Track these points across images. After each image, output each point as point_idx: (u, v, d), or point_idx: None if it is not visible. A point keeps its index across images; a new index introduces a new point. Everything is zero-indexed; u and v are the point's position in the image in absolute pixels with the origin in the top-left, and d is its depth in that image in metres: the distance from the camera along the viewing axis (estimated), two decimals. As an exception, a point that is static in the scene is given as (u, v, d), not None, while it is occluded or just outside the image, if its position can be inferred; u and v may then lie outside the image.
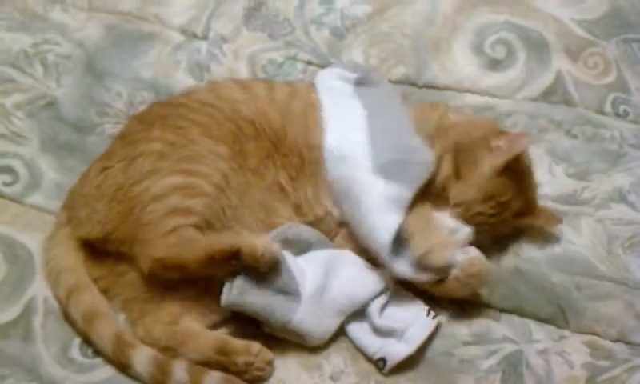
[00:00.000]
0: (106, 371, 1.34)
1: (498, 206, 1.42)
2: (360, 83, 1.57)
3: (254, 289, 1.32)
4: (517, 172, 1.44)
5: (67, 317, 1.39)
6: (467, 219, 1.41)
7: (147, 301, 1.37)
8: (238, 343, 1.33)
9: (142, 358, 1.32)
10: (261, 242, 1.31)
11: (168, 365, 1.31)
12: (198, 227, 1.36)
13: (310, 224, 1.46)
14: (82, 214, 1.42)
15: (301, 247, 1.41)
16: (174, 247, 1.33)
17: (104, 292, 1.40)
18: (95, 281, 1.41)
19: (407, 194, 1.38)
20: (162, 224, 1.35)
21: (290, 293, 1.34)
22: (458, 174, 1.44)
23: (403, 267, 1.37)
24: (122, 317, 1.39)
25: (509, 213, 1.44)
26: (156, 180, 1.38)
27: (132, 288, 1.39)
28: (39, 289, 1.43)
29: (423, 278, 1.37)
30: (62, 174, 1.59)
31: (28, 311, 1.40)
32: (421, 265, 1.36)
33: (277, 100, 1.53)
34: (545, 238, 1.50)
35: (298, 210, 1.47)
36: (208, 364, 1.31)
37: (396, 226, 1.36)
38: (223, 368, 1.31)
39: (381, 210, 1.38)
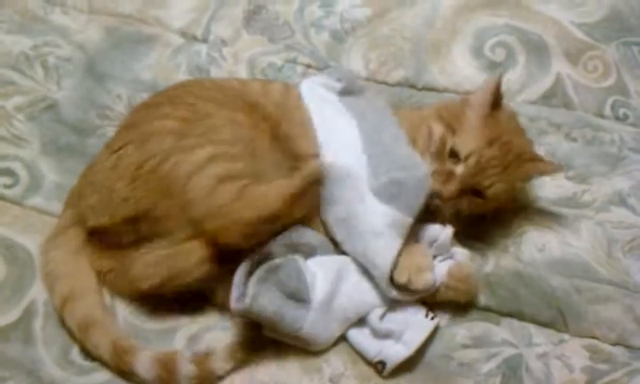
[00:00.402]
0: (107, 373, 1.34)
1: (503, 146, 1.42)
2: (346, 92, 1.55)
3: (266, 295, 1.30)
4: (504, 112, 1.47)
5: (63, 324, 1.38)
6: (483, 169, 1.41)
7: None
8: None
9: (144, 362, 1.31)
10: (313, 165, 1.34)
11: (172, 360, 1.31)
12: (252, 183, 1.33)
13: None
14: (94, 200, 1.38)
15: (305, 251, 1.39)
16: (246, 209, 1.29)
17: (110, 284, 1.41)
18: (107, 273, 1.41)
19: (408, 219, 1.36)
20: (220, 193, 1.31)
21: (302, 299, 1.33)
22: (452, 131, 1.44)
23: (394, 292, 1.36)
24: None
25: (514, 153, 1.43)
26: (186, 156, 1.33)
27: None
28: (39, 291, 1.42)
29: (413, 298, 1.37)
30: (63, 176, 1.59)
31: (28, 314, 1.40)
32: (405, 290, 1.36)
33: (271, 94, 1.53)
34: (544, 240, 1.51)
35: None
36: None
37: (395, 253, 1.35)
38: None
39: (381, 235, 1.35)
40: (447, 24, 1.87)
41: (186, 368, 1.31)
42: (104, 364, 1.34)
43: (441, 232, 1.41)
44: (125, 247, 1.37)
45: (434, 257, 1.40)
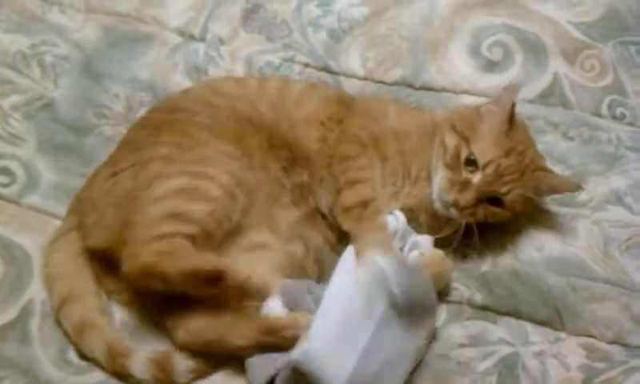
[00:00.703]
0: (103, 373, 1.34)
1: (519, 155, 1.43)
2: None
3: None
4: (519, 123, 1.48)
5: (59, 326, 1.38)
6: (500, 177, 1.41)
7: (177, 303, 1.34)
8: (283, 319, 1.30)
9: (139, 364, 1.31)
10: (249, 271, 1.30)
11: (167, 359, 1.31)
12: (193, 238, 1.33)
13: (309, 215, 1.46)
14: (90, 222, 1.41)
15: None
16: (160, 256, 1.30)
17: (127, 304, 1.41)
18: (113, 293, 1.41)
19: None
20: (153, 227, 1.33)
21: None
22: (466, 141, 1.44)
23: None
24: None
25: (528, 162, 1.44)
26: (162, 182, 1.36)
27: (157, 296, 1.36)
28: (37, 291, 1.43)
29: None
30: (60, 175, 1.59)
31: (25, 313, 1.40)
32: None
33: (266, 95, 1.54)
34: (542, 239, 1.51)
35: (296, 194, 1.47)
36: (257, 347, 1.29)
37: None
38: (274, 347, 1.28)
39: None
40: (445, 23, 1.87)
41: (184, 364, 1.31)
42: (99, 367, 1.34)
43: (396, 220, 1.41)
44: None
45: (401, 249, 1.40)
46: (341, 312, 1.28)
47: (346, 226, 1.41)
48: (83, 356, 1.35)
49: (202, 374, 1.32)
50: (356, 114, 1.55)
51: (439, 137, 1.48)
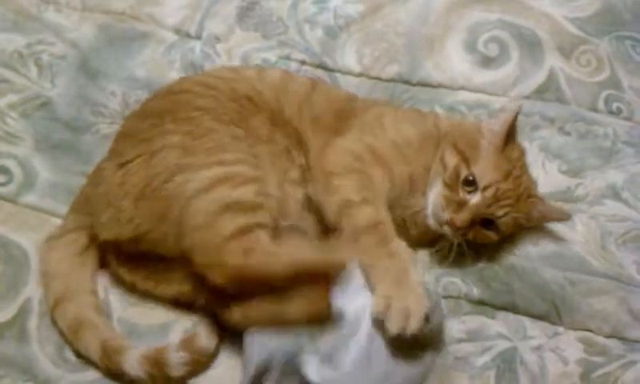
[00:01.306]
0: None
1: (516, 179, 1.42)
2: None
3: None
4: (517, 147, 1.46)
5: (54, 323, 1.38)
6: (498, 201, 1.40)
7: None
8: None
9: (133, 361, 1.30)
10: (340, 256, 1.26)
11: (161, 355, 1.30)
12: (263, 226, 1.29)
13: (309, 197, 1.43)
14: (106, 217, 1.36)
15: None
16: (247, 255, 1.24)
17: (149, 293, 1.39)
18: (136, 284, 1.39)
19: None
20: (217, 225, 1.26)
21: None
22: (466, 161, 1.43)
23: None
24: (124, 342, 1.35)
25: (524, 189, 1.43)
26: (190, 175, 1.30)
27: (186, 281, 1.33)
28: (35, 289, 1.42)
29: None
30: (57, 173, 1.59)
31: (23, 312, 1.40)
32: None
33: (268, 79, 1.53)
34: (539, 234, 1.51)
35: (301, 173, 1.45)
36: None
37: None
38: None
39: None
40: (440, 19, 1.87)
41: (176, 356, 1.30)
42: (94, 365, 1.34)
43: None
44: (146, 259, 1.36)
45: None
46: (360, 342, 1.24)
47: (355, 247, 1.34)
48: (79, 354, 1.35)
49: (197, 366, 1.32)
50: (356, 127, 1.50)
51: (440, 153, 1.46)
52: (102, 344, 1.32)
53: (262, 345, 1.24)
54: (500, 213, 1.41)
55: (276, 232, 1.32)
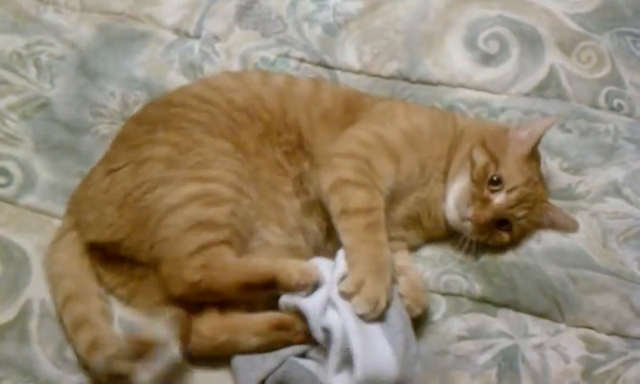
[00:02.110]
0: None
1: (535, 185, 1.48)
2: None
3: None
4: (537, 155, 1.52)
5: (60, 322, 1.38)
6: (519, 203, 1.44)
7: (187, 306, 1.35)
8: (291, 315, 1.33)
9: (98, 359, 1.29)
10: (296, 269, 1.32)
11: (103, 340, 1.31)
12: (227, 242, 1.35)
13: (309, 205, 1.46)
14: (90, 218, 1.41)
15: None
16: (204, 271, 1.32)
17: (129, 300, 1.41)
18: (114, 288, 1.42)
19: None
20: (184, 240, 1.34)
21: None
22: (495, 162, 1.46)
23: None
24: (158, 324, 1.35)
25: (539, 194, 1.48)
26: (170, 189, 1.37)
27: (159, 290, 1.37)
28: (35, 291, 1.43)
29: None
30: (57, 174, 1.59)
31: (24, 313, 1.40)
32: None
33: (273, 83, 1.55)
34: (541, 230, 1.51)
35: (297, 184, 1.47)
36: (270, 344, 1.31)
37: None
38: (285, 343, 1.31)
39: None
40: (440, 16, 1.87)
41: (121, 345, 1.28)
42: (83, 364, 1.33)
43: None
44: (126, 263, 1.40)
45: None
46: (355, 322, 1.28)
47: (340, 226, 1.38)
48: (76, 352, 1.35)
49: (136, 356, 1.27)
50: (365, 118, 1.53)
51: (466, 148, 1.49)
52: (93, 339, 1.32)
53: (255, 366, 1.30)
54: (519, 214, 1.45)
55: (246, 247, 1.39)
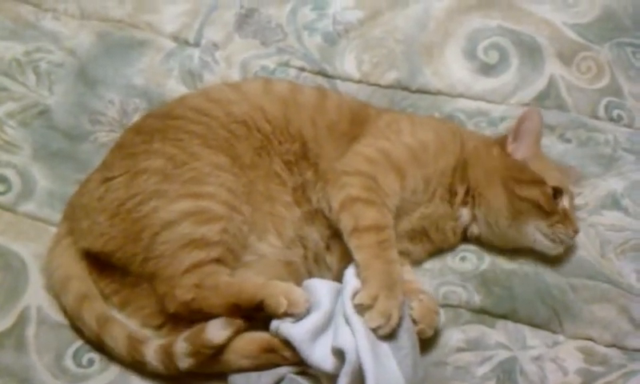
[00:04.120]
0: (101, 380, 1.34)
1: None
2: None
3: None
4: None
5: (77, 321, 1.38)
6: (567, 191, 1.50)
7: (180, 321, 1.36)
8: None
9: (151, 350, 1.31)
10: (284, 297, 1.31)
11: (170, 346, 1.31)
12: (220, 260, 1.36)
13: (311, 213, 1.46)
14: (84, 225, 1.42)
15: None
16: (197, 290, 1.33)
17: (121, 307, 1.41)
18: (108, 296, 1.41)
19: None
20: (177, 258, 1.35)
21: None
22: (542, 182, 1.48)
23: None
24: (147, 332, 1.38)
25: None
26: (164, 203, 1.37)
27: (151, 300, 1.38)
28: (32, 298, 1.42)
29: None
30: (55, 182, 1.59)
31: (21, 321, 1.40)
32: None
33: (276, 91, 1.55)
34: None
35: (297, 195, 1.47)
36: (261, 366, 1.31)
37: None
38: (276, 365, 1.31)
39: None
40: (440, 26, 1.87)
41: (180, 346, 1.30)
42: (118, 358, 1.34)
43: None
44: (119, 271, 1.40)
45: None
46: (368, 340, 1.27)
47: (353, 244, 1.38)
48: (81, 359, 1.35)
49: (199, 357, 1.30)
50: (371, 133, 1.53)
51: (506, 193, 1.48)
52: (128, 335, 1.34)
53: (251, 383, 1.31)
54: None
55: (239, 262, 1.40)
